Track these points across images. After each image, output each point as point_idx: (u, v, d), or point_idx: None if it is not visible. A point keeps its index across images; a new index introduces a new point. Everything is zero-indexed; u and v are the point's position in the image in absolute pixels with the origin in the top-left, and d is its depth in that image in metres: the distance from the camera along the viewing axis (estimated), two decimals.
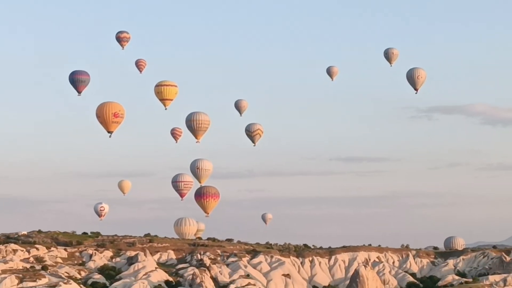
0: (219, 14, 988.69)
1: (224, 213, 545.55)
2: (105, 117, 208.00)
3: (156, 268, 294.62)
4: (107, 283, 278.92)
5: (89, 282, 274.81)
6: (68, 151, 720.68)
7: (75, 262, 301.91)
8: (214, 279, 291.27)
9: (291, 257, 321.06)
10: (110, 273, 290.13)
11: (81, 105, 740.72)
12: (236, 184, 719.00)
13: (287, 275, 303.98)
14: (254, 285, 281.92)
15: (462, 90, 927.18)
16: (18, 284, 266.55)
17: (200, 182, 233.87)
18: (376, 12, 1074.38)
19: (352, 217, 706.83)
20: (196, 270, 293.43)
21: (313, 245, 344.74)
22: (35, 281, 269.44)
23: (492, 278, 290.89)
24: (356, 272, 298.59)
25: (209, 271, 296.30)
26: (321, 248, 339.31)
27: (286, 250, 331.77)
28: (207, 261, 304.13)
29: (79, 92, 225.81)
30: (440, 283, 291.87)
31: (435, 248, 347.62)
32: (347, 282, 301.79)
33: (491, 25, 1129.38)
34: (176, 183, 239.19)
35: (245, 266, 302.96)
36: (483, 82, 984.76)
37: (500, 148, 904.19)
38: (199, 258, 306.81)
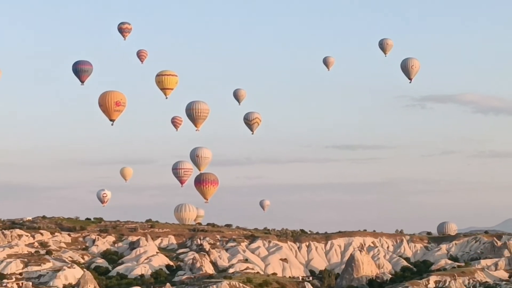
0: (218, 6, 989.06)
1: (223, 200, 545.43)
2: (108, 105, 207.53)
3: (157, 252, 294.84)
4: (110, 267, 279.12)
5: (92, 266, 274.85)
6: (71, 139, 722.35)
7: (79, 247, 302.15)
8: (214, 264, 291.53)
9: (288, 242, 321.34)
10: (113, 257, 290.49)
11: (84, 94, 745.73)
12: (235, 171, 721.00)
13: (285, 260, 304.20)
14: (253, 269, 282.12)
15: (454, 80, 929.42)
16: (23, 268, 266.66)
17: (199, 170, 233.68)
18: (372, 4, 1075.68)
19: (348, 203, 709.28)
20: (196, 255, 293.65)
21: (309, 231, 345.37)
22: (39, 265, 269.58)
23: (483, 262, 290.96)
24: (352, 257, 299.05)
25: (209, 255, 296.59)
26: (317, 233, 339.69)
27: (283, 235, 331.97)
28: (207, 246, 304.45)
29: (82, 82, 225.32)
30: (433, 267, 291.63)
31: (429, 233, 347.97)
32: (343, 266, 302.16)
33: (484, 18, 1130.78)
34: (176, 170, 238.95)
35: (244, 251, 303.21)
36: (475, 72, 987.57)
37: (492, 136, 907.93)
38: (199, 243, 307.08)
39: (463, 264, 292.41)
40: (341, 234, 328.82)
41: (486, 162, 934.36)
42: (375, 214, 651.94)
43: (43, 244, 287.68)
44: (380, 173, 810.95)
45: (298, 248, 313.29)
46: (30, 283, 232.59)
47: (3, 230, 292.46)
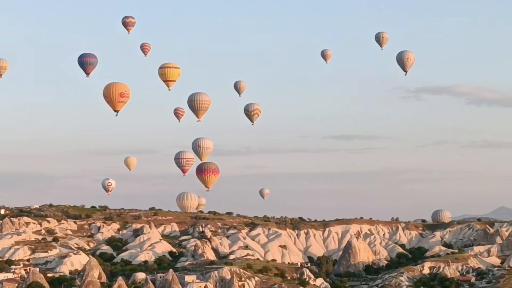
0: (220, 0, 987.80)
1: (224, 188, 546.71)
2: (112, 97, 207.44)
3: (160, 239, 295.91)
4: (114, 254, 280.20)
5: (98, 253, 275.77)
6: (77, 130, 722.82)
7: (84, 234, 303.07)
8: (215, 250, 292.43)
9: (287, 229, 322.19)
10: (117, 244, 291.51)
11: (89, 86, 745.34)
12: (235, 160, 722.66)
13: (284, 246, 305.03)
14: (253, 255, 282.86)
15: (449, 72, 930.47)
16: (30, 255, 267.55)
17: (201, 160, 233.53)
18: None
19: (345, 191, 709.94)
20: (198, 242, 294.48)
21: (308, 218, 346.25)
22: (46, 251, 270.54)
23: (476, 249, 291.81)
24: (349, 244, 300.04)
25: (210, 242, 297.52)
26: (315, 221, 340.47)
27: (282, 223, 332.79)
28: (208, 233, 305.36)
29: (87, 74, 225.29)
30: (427, 254, 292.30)
31: (423, 221, 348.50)
32: (340, 253, 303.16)
33: (477, 11, 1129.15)
34: (178, 159, 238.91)
35: (244, 238, 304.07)
36: (469, 64, 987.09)
37: (485, 126, 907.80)
38: (201, 230, 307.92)
39: (456, 250, 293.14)
40: (338, 221, 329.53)
41: (479, 152, 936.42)
42: (372, 202, 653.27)
43: (50, 231, 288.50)
44: (376, 162, 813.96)
45: (297, 235, 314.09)
46: (37, 269, 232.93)
47: (11, 218, 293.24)
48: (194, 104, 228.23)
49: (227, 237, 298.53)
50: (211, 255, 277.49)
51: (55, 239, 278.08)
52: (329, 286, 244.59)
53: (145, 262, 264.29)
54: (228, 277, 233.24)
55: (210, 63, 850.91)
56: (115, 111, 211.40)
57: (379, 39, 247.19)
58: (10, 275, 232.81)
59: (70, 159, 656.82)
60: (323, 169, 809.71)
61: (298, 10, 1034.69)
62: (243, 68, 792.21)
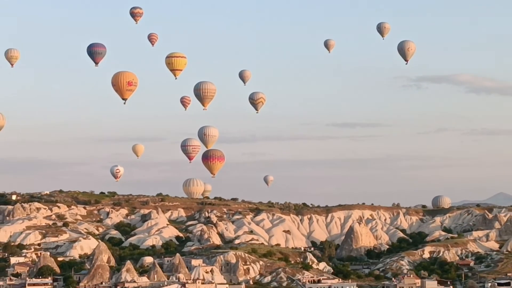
0: None
1: (229, 175, 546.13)
2: (120, 85, 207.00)
3: (167, 224, 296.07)
4: (123, 239, 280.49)
5: (106, 237, 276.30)
6: (86, 117, 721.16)
7: (94, 219, 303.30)
8: (221, 235, 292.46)
9: (291, 215, 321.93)
10: (126, 229, 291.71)
11: (98, 75, 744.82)
12: (240, 148, 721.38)
13: (288, 231, 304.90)
14: (257, 240, 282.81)
15: (449, 61, 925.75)
16: (41, 239, 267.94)
17: (207, 147, 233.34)
18: None
19: (347, 178, 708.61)
20: (204, 227, 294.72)
21: (311, 204, 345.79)
22: (57, 236, 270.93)
23: (475, 233, 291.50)
24: (351, 229, 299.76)
25: (216, 227, 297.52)
26: (318, 206, 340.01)
27: (286, 208, 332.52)
28: (214, 219, 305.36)
29: (96, 63, 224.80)
30: (428, 239, 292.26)
31: (424, 206, 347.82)
32: (343, 237, 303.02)
33: (476, 2, 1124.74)
34: (185, 147, 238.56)
35: (249, 223, 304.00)
36: (468, 54, 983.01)
37: (484, 114, 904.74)
38: (207, 215, 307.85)
39: (456, 235, 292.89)
40: (341, 207, 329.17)
41: (479, 139, 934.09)
42: (373, 188, 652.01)
43: (60, 217, 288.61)
44: (378, 149, 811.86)
45: (300, 220, 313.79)
46: (48, 253, 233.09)
47: (23, 204, 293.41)
48: (200, 93, 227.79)
49: (233, 222, 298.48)
50: (216, 240, 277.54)
51: (65, 224, 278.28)
52: (332, 270, 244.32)
53: (153, 246, 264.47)
54: (234, 261, 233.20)
55: (216, 52, 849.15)
56: (123, 99, 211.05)
57: (380, 29, 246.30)
58: (21, 259, 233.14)
59: (80, 146, 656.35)
60: (326, 156, 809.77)
61: (302, 1, 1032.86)
62: (248, 58, 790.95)
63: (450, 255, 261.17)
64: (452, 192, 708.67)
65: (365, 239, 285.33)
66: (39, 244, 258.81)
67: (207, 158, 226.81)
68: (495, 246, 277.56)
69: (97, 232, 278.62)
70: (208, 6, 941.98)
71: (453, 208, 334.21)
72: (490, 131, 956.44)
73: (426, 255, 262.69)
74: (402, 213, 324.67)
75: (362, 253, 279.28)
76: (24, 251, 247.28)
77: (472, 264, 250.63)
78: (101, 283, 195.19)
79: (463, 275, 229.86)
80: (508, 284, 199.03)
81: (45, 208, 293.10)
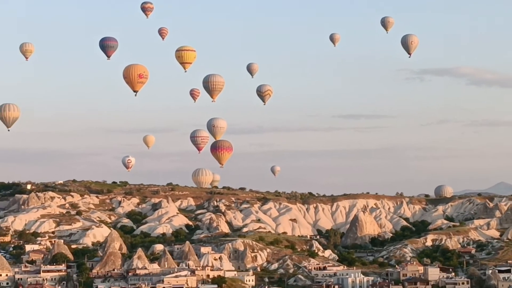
0: None
1: (237, 165, 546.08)
2: (131, 77, 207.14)
3: (177, 213, 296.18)
4: (134, 227, 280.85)
5: (118, 225, 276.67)
6: (98, 109, 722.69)
7: (106, 208, 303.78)
8: (229, 223, 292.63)
9: (297, 204, 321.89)
10: (137, 217, 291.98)
11: (110, 67, 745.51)
12: (248, 138, 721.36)
13: (294, 220, 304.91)
14: (265, 228, 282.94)
15: (451, 54, 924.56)
16: (55, 227, 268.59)
17: (215, 139, 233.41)
18: None
19: (352, 168, 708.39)
20: (213, 215, 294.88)
21: (317, 193, 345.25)
22: (70, 224, 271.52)
23: (477, 222, 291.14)
24: (356, 217, 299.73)
25: (224, 216, 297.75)
26: (324, 195, 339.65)
27: (293, 197, 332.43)
28: (223, 207, 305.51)
29: (108, 56, 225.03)
30: (430, 227, 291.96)
31: (426, 195, 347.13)
32: (348, 226, 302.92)
33: None
34: (194, 138, 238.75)
35: (256, 212, 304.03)
36: (470, 47, 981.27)
37: (485, 106, 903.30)
38: (216, 204, 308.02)
39: (458, 223, 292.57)
40: (346, 196, 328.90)
41: (480, 130, 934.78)
42: (377, 178, 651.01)
43: (73, 205, 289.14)
44: (382, 140, 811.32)
45: (306, 209, 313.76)
46: (62, 241, 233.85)
47: (37, 193, 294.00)
48: (209, 85, 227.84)
49: (240, 211, 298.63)
50: (225, 228, 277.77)
51: (79, 213, 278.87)
52: (337, 258, 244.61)
53: (163, 234, 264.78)
54: (242, 248, 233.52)
55: (224, 46, 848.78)
56: (134, 91, 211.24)
57: (384, 23, 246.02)
58: (36, 247, 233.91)
59: (92, 137, 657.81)
60: (331, 147, 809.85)
61: None
62: (255, 51, 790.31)
63: (452, 243, 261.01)
64: (454, 181, 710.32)
65: (370, 228, 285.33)
66: (53, 232, 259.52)
67: (215, 148, 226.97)
68: (496, 234, 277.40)
69: (109, 221, 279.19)
70: (217, 1, 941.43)
71: (455, 197, 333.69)
72: (491, 123, 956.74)
73: (429, 243, 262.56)
74: (406, 202, 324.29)
75: (366, 241, 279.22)
76: (39, 238, 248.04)
77: (473, 251, 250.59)
78: (113, 269, 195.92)
79: (464, 262, 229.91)
80: (508, 271, 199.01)
81: (59, 197, 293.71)
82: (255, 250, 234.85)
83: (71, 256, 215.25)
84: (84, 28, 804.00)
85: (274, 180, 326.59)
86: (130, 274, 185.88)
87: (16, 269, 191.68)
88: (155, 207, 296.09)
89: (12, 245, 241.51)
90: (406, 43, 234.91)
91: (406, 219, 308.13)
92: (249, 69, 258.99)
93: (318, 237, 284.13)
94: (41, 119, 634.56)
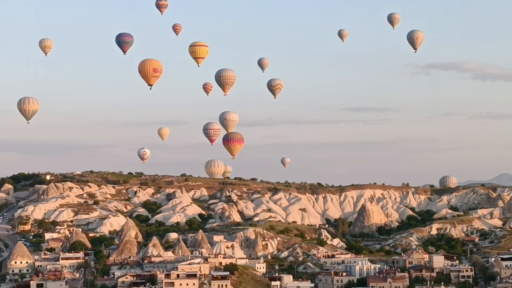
0: None
1: (248, 156, 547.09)
2: (146, 72, 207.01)
3: (191, 203, 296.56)
4: (149, 216, 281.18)
5: (134, 215, 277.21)
6: (114, 102, 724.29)
7: (122, 198, 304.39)
8: (241, 213, 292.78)
9: (306, 194, 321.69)
10: (152, 207, 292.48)
11: (126, 62, 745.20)
12: (259, 131, 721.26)
13: (303, 210, 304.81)
14: (275, 218, 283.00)
15: (456, 49, 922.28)
16: (73, 216, 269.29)
17: (227, 132, 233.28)
18: None
19: (360, 159, 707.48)
20: (225, 205, 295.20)
21: (326, 184, 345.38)
22: (88, 213, 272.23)
23: (480, 211, 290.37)
24: (363, 207, 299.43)
25: (236, 205, 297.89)
26: (332, 186, 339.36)
27: (302, 188, 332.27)
28: (235, 197, 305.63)
29: (124, 52, 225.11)
30: (435, 216, 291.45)
31: (432, 186, 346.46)
32: (355, 215, 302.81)
33: None
34: (207, 130, 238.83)
35: (267, 202, 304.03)
36: (474, 42, 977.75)
37: (488, 99, 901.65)
38: (228, 194, 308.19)
39: (462, 213, 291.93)
40: (353, 186, 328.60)
41: (484, 123, 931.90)
42: (384, 169, 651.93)
43: (91, 195, 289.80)
44: (388, 132, 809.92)
45: (316, 199, 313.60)
46: (80, 229, 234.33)
47: (56, 183, 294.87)
48: (221, 79, 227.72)
49: (252, 201, 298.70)
50: (237, 217, 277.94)
51: (96, 202, 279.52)
52: (345, 246, 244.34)
53: (177, 223, 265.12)
54: (253, 237, 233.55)
55: (236, 41, 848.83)
56: (149, 85, 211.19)
57: (391, 19, 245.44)
58: (55, 235, 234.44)
59: (109, 129, 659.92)
60: (339, 139, 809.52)
61: None
62: (266, 46, 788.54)
63: (456, 231, 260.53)
64: (458, 172, 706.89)
65: (376, 217, 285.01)
66: (71, 221, 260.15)
67: (227, 140, 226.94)
68: (499, 223, 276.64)
69: (125, 210, 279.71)
70: None
71: (459, 187, 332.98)
72: (494, 115, 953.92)
73: (434, 231, 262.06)
74: (411, 192, 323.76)
75: (373, 229, 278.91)
76: (58, 227, 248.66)
77: (477, 240, 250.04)
78: (129, 257, 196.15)
79: (468, 250, 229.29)
80: (511, 259, 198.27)
81: (77, 188, 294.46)
82: (266, 239, 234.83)
83: (88, 244, 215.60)
84: (101, 24, 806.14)
85: (284, 171, 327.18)
86: (145, 261, 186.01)
87: (36, 257, 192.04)
88: (170, 197, 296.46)
89: (32, 234, 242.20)
90: (412, 39, 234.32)
91: (412, 209, 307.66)
92: (260, 64, 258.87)
93: (326, 226, 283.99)
94: (60, 112, 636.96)
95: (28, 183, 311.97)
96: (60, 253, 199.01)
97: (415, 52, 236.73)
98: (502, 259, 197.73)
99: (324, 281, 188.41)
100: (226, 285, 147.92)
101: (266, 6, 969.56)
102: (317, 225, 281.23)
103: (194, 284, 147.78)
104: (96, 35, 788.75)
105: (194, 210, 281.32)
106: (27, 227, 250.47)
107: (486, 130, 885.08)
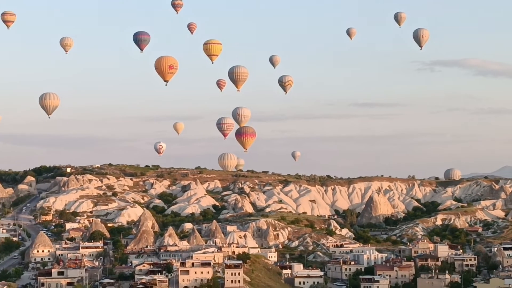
0: None
1: (260, 150, 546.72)
2: (162, 68, 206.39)
3: (205, 194, 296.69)
4: (165, 207, 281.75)
5: (151, 206, 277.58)
6: (132, 98, 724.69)
7: (139, 189, 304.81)
8: (253, 204, 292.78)
9: (316, 186, 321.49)
10: (168, 198, 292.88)
11: (143, 60, 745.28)
12: (270, 125, 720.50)
13: (313, 201, 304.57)
14: (286, 209, 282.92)
15: (459, 47, 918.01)
16: (93, 207, 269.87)
17: (240, 126, 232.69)
18: None
19: (367, 152, 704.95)
20: (238, 196, 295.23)
21: (334, 176, 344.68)
22: (107, 205, 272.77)
23: (483, 203, 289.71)
24: (371, 198, 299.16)
25: (249, 197, 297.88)
26: (341, 178, 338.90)
27: (312, 180, 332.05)
28: (247, 189, 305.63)
29: (141, 49, 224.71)
30: (440, 207, 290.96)
31: (436, 178, 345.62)
32: (363, 206, 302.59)
33: None
34: (220, 125, 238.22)
35: (278, 193, 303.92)
36: (477, 40, 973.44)
37: (491, 95, 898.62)
38: (240, 186, 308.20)
39: (466, 204, 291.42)
40: (361, 179, 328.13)
41: (486, 118, 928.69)
42: (391, 162, 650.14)
43: (109, 187, 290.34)
44: (395, 126, 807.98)
45: (325, 191, 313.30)
46: (99, 220, 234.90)
47: (76, 176, 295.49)
48: (234, 76, 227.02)
49: (263, 192, 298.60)
50: (249, 208, 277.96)
51: (114, 194, 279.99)
52: (353, 236, 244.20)
53: (192, 214, 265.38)
54: (264, 227, 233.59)
55: (248, 39, 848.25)
56: (165, 81, 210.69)
57: (397, 18, 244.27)
58: (75, 225, 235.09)
59: (127, 124, 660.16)
60: (348, 133, 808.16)
61: None
62: (277, 44, 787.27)
63: (460, 222, 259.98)
64: (462, 165, 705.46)
65: (383, 208, 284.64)
66: (91, 212, 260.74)
67: (240, 134, 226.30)
68: (501, 214, 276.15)
69: (142, 201, 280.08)
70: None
71: (463, 180, 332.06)
72: (496, 110, 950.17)
73: (439, 222, 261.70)
74: (417, 184, 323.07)
75: (380, 220, 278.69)
76: (78, 218, 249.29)
77: (480, 230, 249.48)
78: (146, 246, 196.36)
79: (472, 240, 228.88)
80: None
81: (96, 180, 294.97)
82: (277, 229, 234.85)
83: (107, 234, 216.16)
84: (119, 23, 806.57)
85: (294, 163, 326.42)
86: (161, 250, 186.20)
87: (57, 246, 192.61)
88: (185, 188, 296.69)
89: (54, 224, 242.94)
90: (417, 37, 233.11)
91: (418, 200, 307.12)
92: (272, 60, 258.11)
93: (335, 216, 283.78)
94: (79, 107, 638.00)
95: (49, 176, 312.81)
96: (80, 242, 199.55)
97: (421, 49, 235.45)
98: (504, 249, 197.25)
99: (333, 269, 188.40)
100: (239, 273, 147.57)
101: (277, 6, 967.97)
102: (326, 216, 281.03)
103: (208, 272, 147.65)
104: (114, 33, 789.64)
105: (208, 202, 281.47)
106: (49, 218, 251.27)
107: (489, 124, 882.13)
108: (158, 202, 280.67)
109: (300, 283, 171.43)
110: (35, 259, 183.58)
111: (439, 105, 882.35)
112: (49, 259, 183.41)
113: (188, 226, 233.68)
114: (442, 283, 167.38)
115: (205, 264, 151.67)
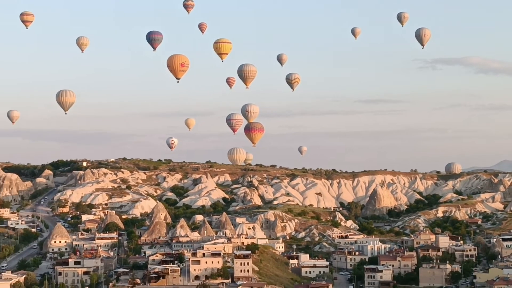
0: None
1: (268, 145, 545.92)
2: (174, 66, 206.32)
3: (215, 187, 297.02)
4: (177, 200, 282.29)
5: (163, 198, 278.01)
6: (145, 95, 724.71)
7: (152, 183, 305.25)
8: (261, 197, 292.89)
9: (322, 179, 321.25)
10: (180, 191, 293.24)
11: (155, 58, 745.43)
12: (278, 121, 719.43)
13: (319, 194, 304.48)
14: (293, 201, 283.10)
15: (460, 45, 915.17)
16: (108, 200, 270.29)
17: (248, 122, 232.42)
18: None
19: (371, 147, 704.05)
20: (247, 189, 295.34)
21: (340, 170, 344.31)
22: (121, 197, 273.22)
23: (483, 196, 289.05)
24: (374, 191, 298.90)
25: (257, 190, 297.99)
26: (346, 172, 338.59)
27: (318, 173, 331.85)
28: (256, 182, 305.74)
29: (154, 48, 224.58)
30: (441, 200, 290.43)
31: (438, 172, 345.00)
32: (367, 199, 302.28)
33: None
34: (229, 120, 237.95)
35: (286, 187, 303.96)
36: (478, 38, 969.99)
37: (491, 92, 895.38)
38: (249, 180, 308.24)
39: (466, 197, 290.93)
40: (365, 172, 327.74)
41: (486, 114, 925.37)
42: (394, 156, 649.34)
43: (124, 181, 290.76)
44: (398, 122, 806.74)
45: (330, 184, 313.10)
46: (114, 212, 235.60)
47: (92, 169, 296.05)
48: (243, 74, 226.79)
49: (271, 185, 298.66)
50: (258, 201, 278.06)
51: (128, 187, 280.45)
52: (358, 227, 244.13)
53: (203, 206, 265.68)
54: (272, 219, 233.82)
55: (257, 38, 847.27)
56: (177, 78, 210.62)
57: (400, 18, 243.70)
58: (91, 217, 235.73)
59: (140, 120, 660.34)
60: (352, 128, 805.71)
61: None
62: (285, 43, 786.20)
63: (461, 214, 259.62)
64: (463, 159, 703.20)
65: (387, 200, 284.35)
66: (106, 204, 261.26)
67: (248, 129, 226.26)
68: (500, 206, 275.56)
69: (155, 194, 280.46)
70: (250, 0, 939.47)
71: (464, 173, 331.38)
72: (496, 107, 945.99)
73: (440, 214, 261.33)
74: (419, 178, 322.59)
75: (384, 212, 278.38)
76: (94, 210, 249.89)
77: (480, 222, 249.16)
78: (159, 237, 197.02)
79: (472, 231, 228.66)
80: (511, 239, 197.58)
81: (111, 173, 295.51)
82: (285, 221, 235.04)
83: (122, 225, 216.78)
84: (133, 23, 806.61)
85: (301, 158, 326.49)
86: (173, 241, 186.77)
87: (74, 237, 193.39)
88: (196, 182, 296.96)
89: (70, 216, 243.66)
90: (419, 36, 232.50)
91: (420, 193, 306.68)
92: (279, 59, 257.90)
93: (340, 209, 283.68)
94: (95, 104, 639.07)
95: (66, 169, 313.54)
96: (96, 233, 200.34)
97: (423, 48, 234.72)
98: (503, 240, 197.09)
99: (338, 259, 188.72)
100: (248, 263, 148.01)
101: (285, 5, 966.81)
102: (332, 208, 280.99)
103: (218, 262, 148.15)
104: (128, 33, 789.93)
105: (218, 194, 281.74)
106: (66, 210, 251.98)
107: (489, 120, 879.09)
108: (170, 195, 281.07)
109: (306, 272, 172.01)
110: (52, 249, 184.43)
111: (441, 102, 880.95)
112: (66, 249, 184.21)
113: (199, 218, 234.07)
114: (443, 273, 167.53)
115: (215, 254, 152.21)
